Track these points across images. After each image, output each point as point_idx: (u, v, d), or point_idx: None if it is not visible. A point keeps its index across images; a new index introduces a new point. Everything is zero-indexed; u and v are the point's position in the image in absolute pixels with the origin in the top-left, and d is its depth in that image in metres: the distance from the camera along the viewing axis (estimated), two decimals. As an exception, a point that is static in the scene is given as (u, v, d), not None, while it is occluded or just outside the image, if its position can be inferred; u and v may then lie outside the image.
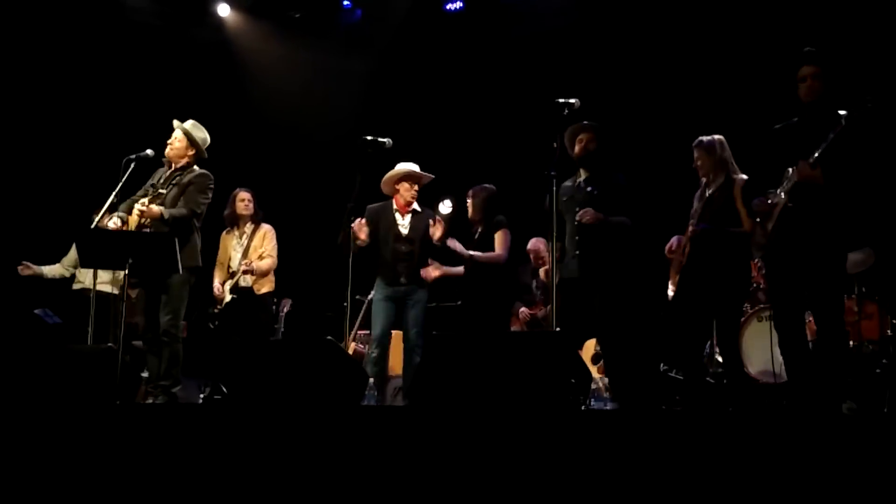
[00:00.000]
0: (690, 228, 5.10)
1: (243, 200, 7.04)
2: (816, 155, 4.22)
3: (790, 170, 4.38)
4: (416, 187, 6.26)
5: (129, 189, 5.83)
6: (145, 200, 5.65)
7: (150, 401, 5.67)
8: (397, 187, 6.26)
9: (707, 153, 5.14)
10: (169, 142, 5.88)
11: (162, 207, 5.62)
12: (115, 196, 5.66)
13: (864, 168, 4.35)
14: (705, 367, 6.25)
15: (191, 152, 5.89)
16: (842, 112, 4.36)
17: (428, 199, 6.50)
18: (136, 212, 5.62)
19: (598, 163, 5.54)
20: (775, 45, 7.21)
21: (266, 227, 7.11)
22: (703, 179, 5.21)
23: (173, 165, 5.87)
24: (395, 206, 6.28)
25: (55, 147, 8.69)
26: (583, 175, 5.56)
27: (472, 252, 6.09)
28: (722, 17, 7.68)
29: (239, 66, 9.39)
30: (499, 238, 6.11)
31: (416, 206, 6.30)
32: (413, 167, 6.28)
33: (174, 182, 5.78)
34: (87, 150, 8.49)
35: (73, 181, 8.36)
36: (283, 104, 9.06)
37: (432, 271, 6.15)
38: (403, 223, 6.25)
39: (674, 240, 5.28)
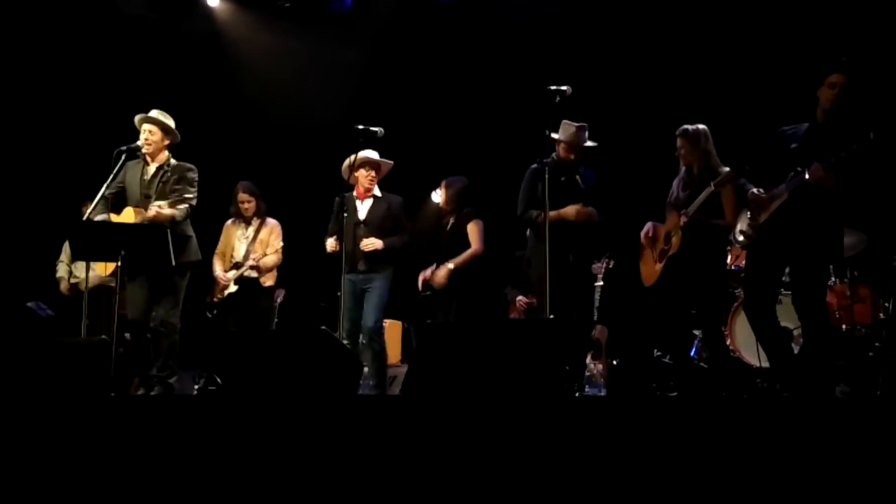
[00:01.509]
0: (683, 219, 5.11)
1: (243, 203, 6.99)
2: (833, 161, 4.21)
3: (797, 170, 4.38)
4: (372, 173, 6.27)
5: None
6: (163, 203, 5.60)
7: (141, 391, 5.67)
8: (356, 175, 6.26)
9: (691, 143, 5.18)
10: (144, 139, 5.77)
11: (173, 210, 5.61)
12: (107, 187, 5.64)
13: (874, 184, 4.38)
14: (699, 351, 6.29)
15: (167, 142, 5.85)
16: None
17: (420, 187, 6.50)
18: (151, 211, 5.57)
19: (577, 161, 5.73)
20: (772, 36, 7.23)
21: (272, 223, 7.09)
22: (684, 167, 5.24)
23: (150, 160, 5.81)
24: (354, 194, 6.30)
25: (45, 139, 8.65)
26: (575, 172, 5.67)
27: (450, 264, 6.15)
28: (717, 4, 7.67)
29: (228, 56, 9.33)
30: (472, 230, 6.20)
31: (376, 191, 6.31)
32: (369, 154, 6.26)
33: (163, 180, 5.73)
34: (76, 142, 8.46)
35: (63, 173, 8.33)
36: (273, 94, 9.01)
37: (442, 276, 6.18)
38: (362, 209, 6.28)
39: (648, 225, 5.34)
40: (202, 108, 8.21)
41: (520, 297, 7.35)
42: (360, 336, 6.20)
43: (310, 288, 8.15)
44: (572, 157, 5.64)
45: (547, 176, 5.26)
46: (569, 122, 5.64)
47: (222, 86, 9.15)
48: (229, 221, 7.13)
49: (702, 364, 6.25)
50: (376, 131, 5.87)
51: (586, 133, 5.69)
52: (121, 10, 8.75)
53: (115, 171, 5.65)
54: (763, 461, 3.00)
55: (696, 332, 6.28)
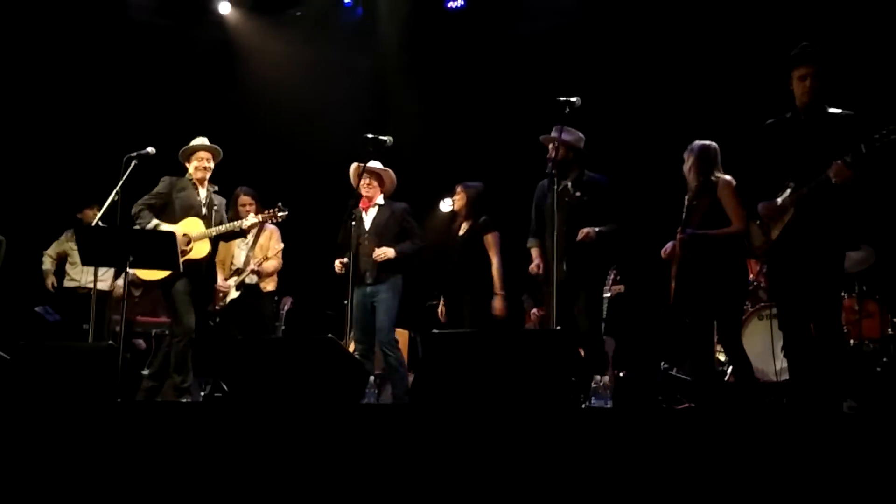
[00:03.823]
0: (679, 235, 5.11)
1: (244, 206, 6.95)
2: (856, 154, 4.13)
3: (793, 184, 4.36)
4: (367, 181, 6.21)
5: (130, 187, 5.84)
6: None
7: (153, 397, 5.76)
8: (360, 184, 6.25)
9: (687, 159, 5.19)
10: (204, 167, 6.09)
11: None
12: (117, 194, 5.68)
13: (881, 199, 4.29)
14: (715, 368, 6.22)
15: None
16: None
17: (428, 196, 6.50)
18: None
19: (577, 169, 5.61)
20: (778, 42, 7.21)
21: (271, 228, 7.05)
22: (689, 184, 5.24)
23: (200, 185, 6.11)
24: (360, 205, 6.29)
25: (56, 145, 8.69)
26: (569, 179, 5.60)
27: (498, 292, 6.15)
28: (724, 13, 7.67)
29: (239, 65, 9.38)
30: (491, 243, 6.17)
31: (380, 200, 6.28)
32: (371, 164, 6.25)
33: (215, 206, 6.13)
34: (88, 148, 8.49)
35: (74, 179, 8.36)
36: (284, 102, 9.05)
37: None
38: (367, 219, 6.26)
39: (669, 245, 5.29)
40: (212, 115, 8.23)
41: (534, 310, 7.35)
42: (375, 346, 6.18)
43: (317, 296, 8.15)
44: (571, 155, 5.60)
45: (556, 188, 5.26)
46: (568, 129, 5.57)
47: (233, 94, 9.19)
48: None
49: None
50: (385, 140, 5.87)
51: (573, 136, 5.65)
52: (132, 18, 8.80)
53: (124, 177, 5.69)
54: (769, 475, 2.99)
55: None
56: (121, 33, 8.81)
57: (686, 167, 5.19)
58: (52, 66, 8.63)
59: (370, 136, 5.86)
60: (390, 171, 6.31)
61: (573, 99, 5.20)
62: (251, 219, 6.06)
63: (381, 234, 6.16)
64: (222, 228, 5.98)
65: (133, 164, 5.75)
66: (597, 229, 5.45)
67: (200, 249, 5.95)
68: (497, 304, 6.16)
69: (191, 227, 5.96)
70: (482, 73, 8.90)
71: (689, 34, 7.87)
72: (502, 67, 8.78)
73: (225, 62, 9.31)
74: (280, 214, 6.24)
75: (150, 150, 5.86)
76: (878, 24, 6.92)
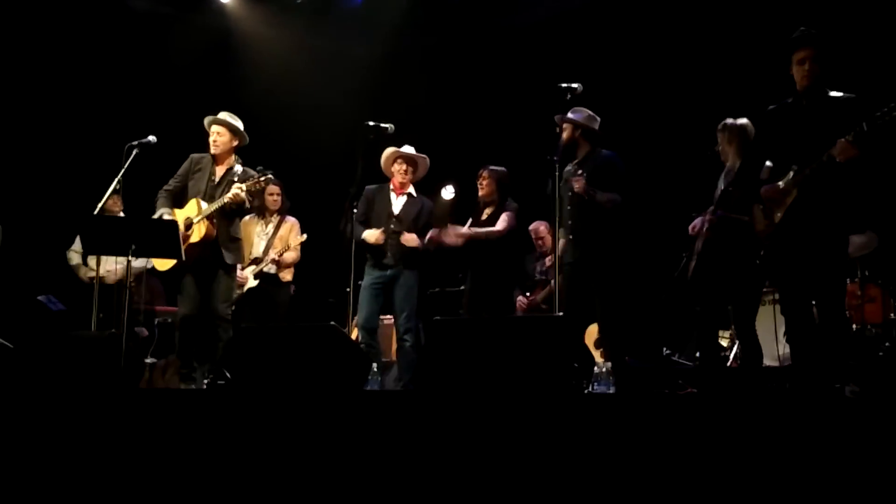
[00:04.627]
0: (708, 216, 5.05)
1: (272, 195, 6.98)
2: (859, 131, 4.08)
3: (795, 167, 4.35)
4: (405, 167, 6.21)
5: (132, 176, 5.83)
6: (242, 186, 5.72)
7: (190, 385, 5.79)
8: (392, 169, 6.25)
9: (723, 138, 5.08)
10: (213, 140, 5.86)
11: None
12: (118, 182, 5.68)
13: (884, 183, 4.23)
14: (720, 353, 6.19)
15: (234, 143, 5.95)
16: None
17: (430, 184, 6.49)
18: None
19: (585, 147, 5.53)
20: (781, 26, 7.18)
21: (291, 221, 7.11)
22: (726, 163, 5.16)
23: (219, 162, 5.90)
24: (391, 187, 6.28)
25: (57, 134, 8.68)
26: (577, 159, 5.56)
27: (467, 231, 6.01)
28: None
29: (240, 52, 9.37)
30: (503, 216, 6.05)
31: (412, 190, 6.27)
32: (405, 149, 6.24)
33: (231, 181, 5.82)
34: (89, 137, 8.48)
35: (75, 168, 8.36)
36: (285, 90, 9.03)
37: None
38: (396, 203, 6.24)
39: (697, 221, 5.22)
40: (212, 103, 8.23)
41: (520, 298, 7.25)
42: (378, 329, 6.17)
43: (319, 284, 8.16)
44: (578, 133, 5.51)
45: (559, 172, 5.24)
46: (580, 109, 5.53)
47: (234, 81, 9.17)
48: (247, 217, 7.09)
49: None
50: (387, 128, 5.87)
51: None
52: (131, 5, 8.78)
53: (126, 166, 5.69)
54: (771, 460, 2.99)
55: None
56: (120, 21, 8.79)
57: (722, 146, 5.09)
58: (52, 55, 8.61)
59: (371, 123, 5.85)
60: (426, 158, 6.29)
61: (574, 85, 5.18)
62: (235, 189, 5.71)
63: (410, 223, 6.14)
64: (212, 207, 5.74)
65: (134, 152, 5.74)
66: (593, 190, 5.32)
67: (199, 231, 5.80)
68: (446, 233, 6.03)
69: (191, 210, 5.90)
70: (484, 60, 8.87)
71: (689, 20, 7.84)
72: (504, 55, 8.76)
73: (225, 50, 9.29)
74: (263, 179, 5.83)
75: (152, 138, 5.85)
76: (879, 7, 6.89)
